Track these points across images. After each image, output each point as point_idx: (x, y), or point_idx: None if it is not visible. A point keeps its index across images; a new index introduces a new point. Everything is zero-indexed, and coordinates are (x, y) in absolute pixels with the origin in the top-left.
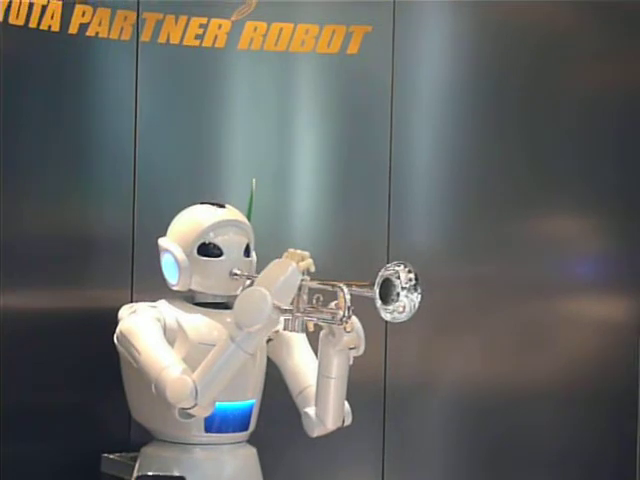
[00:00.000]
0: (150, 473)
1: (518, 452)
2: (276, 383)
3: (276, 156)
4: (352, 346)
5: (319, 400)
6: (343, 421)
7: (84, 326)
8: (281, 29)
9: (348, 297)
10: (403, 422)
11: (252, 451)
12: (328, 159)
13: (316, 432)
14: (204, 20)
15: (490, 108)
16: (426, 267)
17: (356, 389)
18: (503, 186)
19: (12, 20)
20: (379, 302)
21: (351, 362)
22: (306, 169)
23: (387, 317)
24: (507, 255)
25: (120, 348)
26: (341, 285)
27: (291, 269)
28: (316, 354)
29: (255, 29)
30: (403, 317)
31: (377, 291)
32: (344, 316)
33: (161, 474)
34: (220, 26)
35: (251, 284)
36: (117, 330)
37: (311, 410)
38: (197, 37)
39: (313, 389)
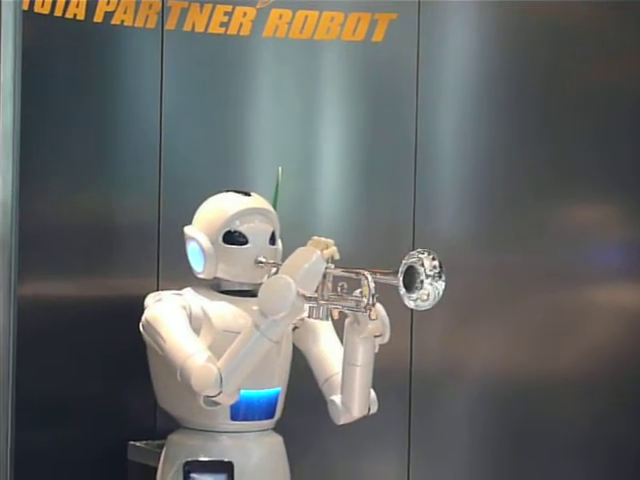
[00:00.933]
0: (200, 459)
1: (543, 439)
2: (302, 371)
3: (301, 144)
4: (377, 334)
5: (345, 388)
6: (369, 409)
7: (110, 315)
8: (306, 17)
9: (372, 285)
10: (429, 410)
11: (278, 439)
12: (353, 147)
13: (342, 420)
14: (229, 8)
15: (514, 97)
16: (451, 254)
17: (382, 377)
18: (527, 175)
19: (37, 9)
20: (403, 290)
21: (377, 350)
22: (331, 157)
23: (411, 305)
24: (531, 244)
25: (146, 336)
26: (365, 273)
27: (315, 257)
28: (342, 342)
29: (280, 17)
30: (427, 305)
31: (401, 279)
32: (368, 304)
33: (210, 459)
34: (245, 14)
35: (277, 272)
36: (143, 318)
37: (337, 398)
38: (222, 25)
39: (339, 377)
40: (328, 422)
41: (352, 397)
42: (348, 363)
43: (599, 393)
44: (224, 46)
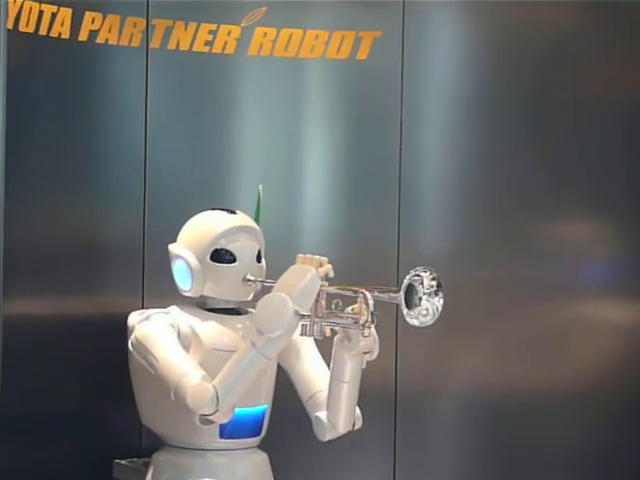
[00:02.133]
0: None
1: (531, 457)
2: (287, 388)
3: (286, 162)
4: (366, 350)
5: (331, 404)
6: (354, 425)
7: (95, 332)
8: (291, 35)
9: (371, 302)
10: (414, 426)
11: (264, 456)
12: (338, 164)
13: (327, 436)
14: (213, 26)
15: (500, 113)
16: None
17: (367, 393)
18: (514, 190)
19: (22, 27)
20: (405, 308)
21: (364, 366)
22: (316, 175)
23: (414, 322)
24: (517, 258)
25: (136, 355)
26: (364, 291)
27: (311, 275)
28: (324, 359)
29: (265, 35)
30: (428, 320)
31: (403, 296)
32: (367, 321)
33: None
34: (230, 32)
35: (266, 290)
36: (132, 337)
37: (322, 414)
38: (207, 43)
39: (323, 394)
40: (313, 439)
41: (338, 413)
42: (336, 379)
43: (584, 407)
44: (209, 64)
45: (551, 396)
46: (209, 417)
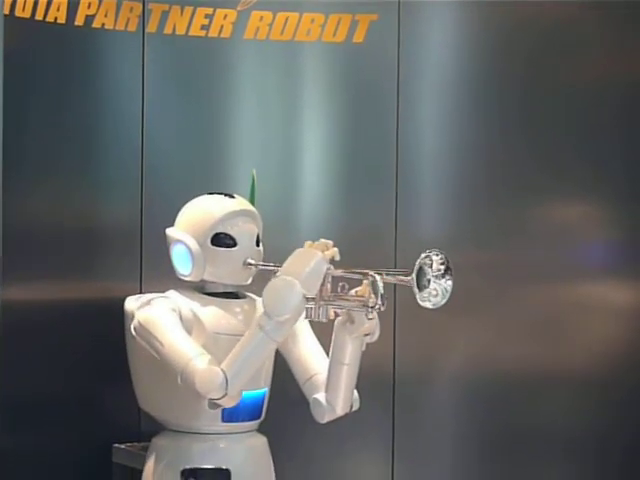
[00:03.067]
0: (197, 466)
1: (527, 437)
2: (286, 372)
3: (282, 145)
4: (368, 332)
5: (330, 386)
6: (351, 407)
7: (93, 317)
8: (287, 18)
9: (381, 285)
10: (413, 408)
11: (263, 440)
12: (335, 148)
13: (326, 418)
14: (210, 10)
15: (496, 95)
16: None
17: (366, 376)
18: (510, 173)
19: (18, 13)
20: (417, 290)
21: (364, 348)
22: (313, 158)
23: (427, 305)
24: (514, 242)
25: (139, 340)
26: (373, 274)
27: (318, 258)
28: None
29: (261, 19)
30: (439, 301)
31: (415, 278)
32: (377, 304)
33: (207, 467)
34: (226, 16)
35: (263, 273)
36: (135, 322)
37: (320, 396)
38: (203, 27)
39: (320, 376)
40: (311, 422)
41: (337, 395)
42: (336, 361)
43: (583, 390)
44: (205, 48)
45: (549, 379)
46: (217, 401)
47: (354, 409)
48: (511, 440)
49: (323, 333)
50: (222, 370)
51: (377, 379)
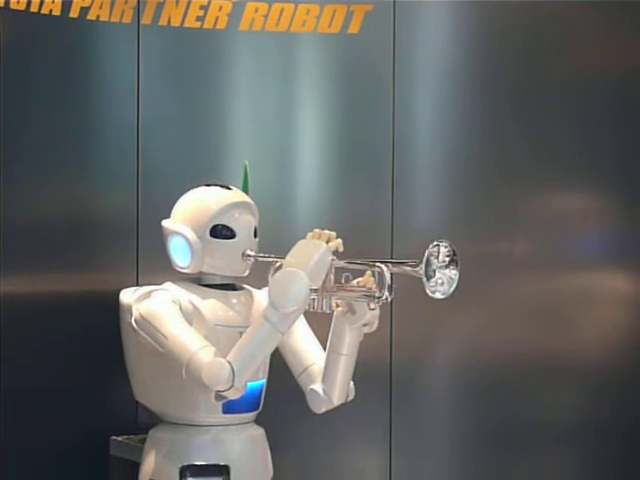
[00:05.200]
0: (195, 462)
1: (525, 428)
2: (283, 363)
3: (278, 136)
4: (367, 322)
5: (327, 376)
6: (347, 397)
7: (90, 309)
8: (282, 10)
9: (388, 276)
10: (410, 399)
11: (260, 431)
12: (330, 139)
13: (323, 408)
14: (205, 2)
15: (491, 85)
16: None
17: (363, 366)
18: (506, 163)
19: (13, 5)
20: (425, 280)
21: (361, 338)
22: (309, 149)
23: (437, 296)
24: (511, 232)
25: (141, 333)
26: (381, 265)
27: (323, 250)
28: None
29: (256, 10)
30: (446, 289)
31: (424, 268)
32: (384, 295)
33: (206, 463)
34: (221, 7)
35: (262, 264)
36: (136, 314)
37: (317, 387)
38: (198, 19)
39: (316, 367)
40: (308, 412)
41: (334, 385)
42: (333, 351)
43: (583, 380)
44: (200, 40)
45: (547, 369)
46: (223, 393)
47: (349, 399)
48: (510, 431)
49: (318, 324)
50: (228, 362)
51: (374, 370)
